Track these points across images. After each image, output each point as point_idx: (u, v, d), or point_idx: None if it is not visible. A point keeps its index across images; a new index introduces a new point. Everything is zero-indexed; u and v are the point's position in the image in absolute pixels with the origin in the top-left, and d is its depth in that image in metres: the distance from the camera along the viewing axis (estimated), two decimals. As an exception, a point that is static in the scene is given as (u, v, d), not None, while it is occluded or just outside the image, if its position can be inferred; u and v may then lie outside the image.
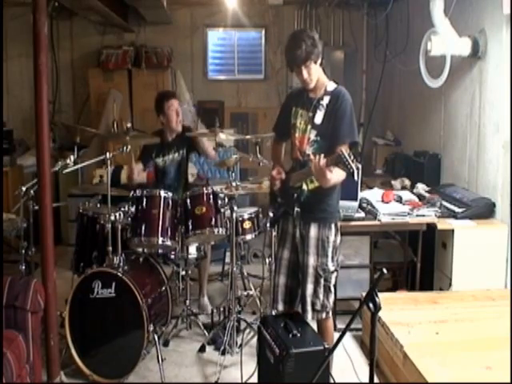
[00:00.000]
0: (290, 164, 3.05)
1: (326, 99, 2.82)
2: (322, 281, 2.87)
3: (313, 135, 2.83)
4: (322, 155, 2.56)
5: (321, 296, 2.88)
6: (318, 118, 2.81)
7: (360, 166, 2.43)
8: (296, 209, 2.86)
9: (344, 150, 2.41)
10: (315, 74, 2.79)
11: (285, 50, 2.80)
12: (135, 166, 4.07)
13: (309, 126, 2.85)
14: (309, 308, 2.89)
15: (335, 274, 2.93)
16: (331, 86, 2.85)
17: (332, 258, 2.89)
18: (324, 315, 2.92)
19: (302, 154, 2.88)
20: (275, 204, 3.03)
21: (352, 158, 2.39)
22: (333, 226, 2.90)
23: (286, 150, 3.20)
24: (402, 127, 6.04)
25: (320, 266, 2.86)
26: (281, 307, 2.99)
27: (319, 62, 2.78)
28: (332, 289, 2.93)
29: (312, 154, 2.78)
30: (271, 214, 3.13)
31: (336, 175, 2.63)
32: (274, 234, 3.77)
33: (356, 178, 2.43)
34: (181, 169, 4.29)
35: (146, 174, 4.62)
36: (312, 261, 2.86)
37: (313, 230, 2.87)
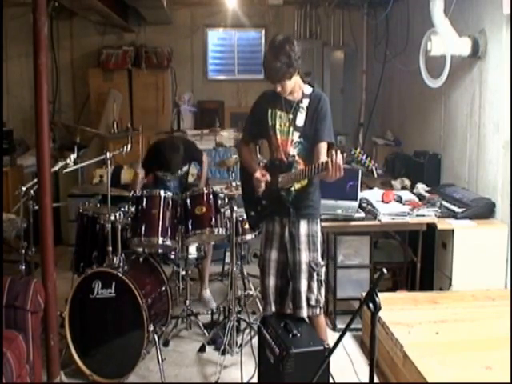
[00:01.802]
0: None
1: (306, 102, 2.90)
2: (315, 275, 2.94)
3: (296, 137, 2.90)
4: (340, 153, 2.62)
5: (315, 291, 2.94)
6: (300, 120, 2.89)
7: (377, 165, 2.60)
8: (291, 209, 2.91)
9: (360, 153, 2.57)
10: (290, 86, 2.85)
11: (262, 63, 2.81)
12: (140, 172, 4.10)
13: (291, 128, 2.91)
14: (303, 304, 2.92)
15: (324, 267, 3.04)
16: (307, 89, 2.93)
17: (320, 252, 2.99)
18: (318, 310, 2.97)
19: (286, 155, 2.93)
20: (257, 206, 3.05)
21: (366, 155, 2.54)
22: (318, 221, 3.01)
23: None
24: (402, 127, 6.03)
25: (312, 260, 2.94)
26: (273, 308, 3.02)
27: (296, 72, 2.82)
28: (323, 283, 3.00)
29: (297, 155, 2.90)
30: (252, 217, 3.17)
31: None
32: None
33: (376, 175, 2.62)
34: (182, 183, 4.31)
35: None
36: (304, 257, 2.93)
37: (302, 227, 2.94)
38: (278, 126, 2.95)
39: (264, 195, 2.99)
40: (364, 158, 2.56)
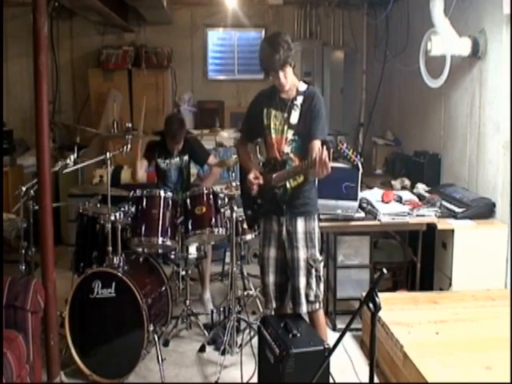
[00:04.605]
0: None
1: (300, 99, 2.90)
2: (314, 271, 2.96)
3: (290, 135, 2.91)
4: (326, 149, 2.59)
5: (314, 286, 2.96)
6: (294, 117, 2.89)
7: (362, 159, 2.53)
8: (284, 206, 2.93)
9: (342, 144, 2.51)
10: (290, 77, 2.86)
11: (261, 56, 2.84)
12: (140, 162, 4.09)
13: (285, 127, 2.92)
14: (303, 300, 2.94)
15: (322, 263, 3.04)
16: (302, 86, 2.94)
17: (318, 247, 3.00)
18: (317, 305, 2.98)
19: (280, 153, 2.94)
20: (253, 206, 3.07)
21: (351, 150, 2.50)
22: (316, 217, 3.01)
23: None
24: (402, 127, 6.03)
25: (310, 257, 2.95)
26: (274, 305, 3.04)
27: (292, 65, 2.84)
28: (322, 278, 3.01)
29: (291, 152, 2.90)
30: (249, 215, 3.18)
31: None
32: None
33: (361, 169, 2.55)
34: (183, 174, 4.29)
35: (146, 174, 4.62)
36: (302, 254, 2.94)
37: (300, 225, 2.95)
38: (272, 125, 2.96)
39: (260, 194, 3.00)
40: (346, 150, 2.52)
